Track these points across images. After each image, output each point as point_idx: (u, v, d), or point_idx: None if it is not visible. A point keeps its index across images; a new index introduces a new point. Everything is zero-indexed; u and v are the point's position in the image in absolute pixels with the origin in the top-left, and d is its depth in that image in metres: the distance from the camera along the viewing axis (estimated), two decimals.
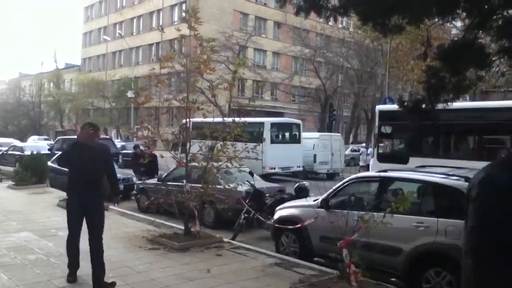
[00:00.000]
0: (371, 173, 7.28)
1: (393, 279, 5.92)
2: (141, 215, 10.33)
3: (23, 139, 40.16)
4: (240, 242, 8.05)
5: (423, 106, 7.34)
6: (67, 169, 5.78)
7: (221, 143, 7.95)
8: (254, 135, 17.49)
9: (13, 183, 14.47)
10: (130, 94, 38.03)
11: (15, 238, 7.78)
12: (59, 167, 12.87)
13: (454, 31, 24.96)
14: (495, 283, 2.14)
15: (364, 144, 26.77)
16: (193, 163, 8.29)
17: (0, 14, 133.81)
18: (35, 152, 16.00)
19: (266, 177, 15.88)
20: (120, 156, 23.08)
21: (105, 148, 6.01)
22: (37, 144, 28.43)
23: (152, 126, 8.84)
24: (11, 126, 58.20)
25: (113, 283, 5.32)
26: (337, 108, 40.79)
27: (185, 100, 8.06)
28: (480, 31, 7.35)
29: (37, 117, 58.22)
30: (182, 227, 8.08)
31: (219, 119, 9.03)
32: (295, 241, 7.37)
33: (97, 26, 61.85)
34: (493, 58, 7.81)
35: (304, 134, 23.35)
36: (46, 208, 10.90)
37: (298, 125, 22.00)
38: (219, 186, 8.87)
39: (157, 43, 48.64)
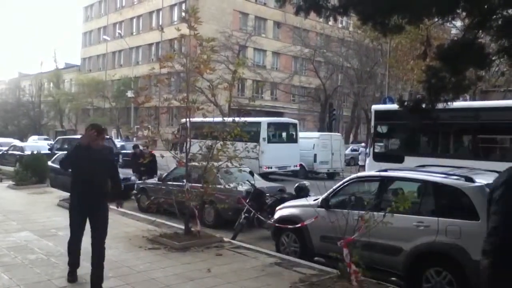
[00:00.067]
0: (371, 172, 7.27)
1: (393, 278, 5.92)
2: (141, 215, 10.32)
3: (23, 139, 40.24)
4: (240, 242, 8.06)
5: (423, 106, 7.35)
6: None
7: (221, 142, 7.96)
8: (251, 134, 17.56)
9: (13, 183, 14.49)
10: (130, 94, 38.07)
11: (16, 238, 7.78)
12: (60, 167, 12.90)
13: (454, 31, 25.00)
14: None
15: (363, 144, 26.81)
16: (193, 163, 8.30)
17: (0, 14, 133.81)
18: (35, 152, 16.01)
19: (263, 176, 15.92)
20: (120, 156, 23.10)
21: (109, 150, 5.96)
22: (37, 144, 28.45)
23: (152, 126, 8.85)
24: (11, 126, 58.25)
25: None
26: (337, 108, 40.81)
27: (185, 100, 8.06)
28: (480, 31, 7.35)
29: (37, 117, 58.28)
30: (183, 227, 8.08)
31: (219, 119, 9.03)
32: (296, 240, 7.37)
33: (97, 26, 61.86)
34: (493, 58, 7.81)
35: (304, 134, 23.40)
36: (46, 208, 10.91)
37: (294, 125, 22.16)
38: (219, 186, 8.87)
39: (157, 43, 48.67)
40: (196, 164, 8.26)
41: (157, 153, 9.93)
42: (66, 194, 11.95)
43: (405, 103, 7.78)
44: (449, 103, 7.30)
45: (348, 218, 5.66)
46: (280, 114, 40.89)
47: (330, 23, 27.71)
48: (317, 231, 6.93)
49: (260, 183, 10.68)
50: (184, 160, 8.19)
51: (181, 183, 8.70)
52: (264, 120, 21.60)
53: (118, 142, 28.80)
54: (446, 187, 5.90)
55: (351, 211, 5.78)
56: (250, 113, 25.21)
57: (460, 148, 12.72)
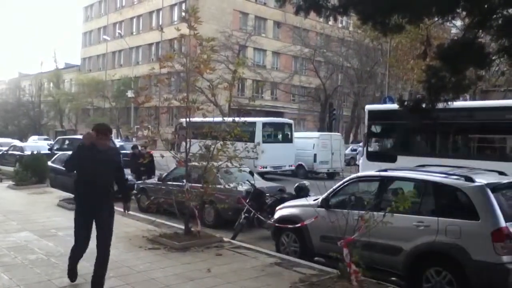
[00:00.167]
0: (371, 172, 7.26)
1: (393, 278, 5.93)
2: (141, 215, 10.32)
3: (23, 139, 40.25)
4: (240, 242, 8.06)
5: (423, 105, 7.34)
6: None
7: (221, 142, 7.95)
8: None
9: (13, 183, 14.49)
10: (130, 93, 38.06)
11: (16, 238, 7.78)
12: (60, 167, 12.93)
13: (454, 31, 24.99)
14: None
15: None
16: (193, 163, 8.29)
17: (0, 14, 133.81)
18: (35, 152, 16.01)
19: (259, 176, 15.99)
20: (120, 156, 23.07)
21: (115, 151, 5.84)
22: (37, 144, 28.44)
23: (152, 126, 8.84)
24: (11, 126, 58.27)
25: None
26: (337, 108, 40.79)
27: (185, 100, 8.06)
28: (480, 30, 7.34)
29: (37, 117, 58.28)
30: (183, 227, 8.08)
31: (219, 119, 9.02)
32: (296, 240, 7.37)
33: (97, 26, 61.84)
34: (493, 57, 7.80)
35: (304, 134, 23.42)
36: (46, 208, 10.90)
37: (290, 125, 22.24)
38: (219, 186, 8.87)
39: (157, 43, 48.65)
40: (196, 164, 8.25)
41: (157, 153, 9.93)
42: (66, 194, 11.97)
43: (405, 103, 7.77)
44: (449, 103, 7.30)
45: (348, 218, 5.66)
46: (280, 114, 40.85)
47: (330, 23, 27.69)
48: (317, 231, 6.93)
49: (260, 183, 10.68)
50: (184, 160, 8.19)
51: (181, 183, 8.69)
52: (260, 120, 21.62)
53: (118, 142, 28.76)
54: (446, 187, 5.89)
55: (351, 211, 5.78)
56: (250, 113, 25.23)
57: (452, 148, 12.85)
